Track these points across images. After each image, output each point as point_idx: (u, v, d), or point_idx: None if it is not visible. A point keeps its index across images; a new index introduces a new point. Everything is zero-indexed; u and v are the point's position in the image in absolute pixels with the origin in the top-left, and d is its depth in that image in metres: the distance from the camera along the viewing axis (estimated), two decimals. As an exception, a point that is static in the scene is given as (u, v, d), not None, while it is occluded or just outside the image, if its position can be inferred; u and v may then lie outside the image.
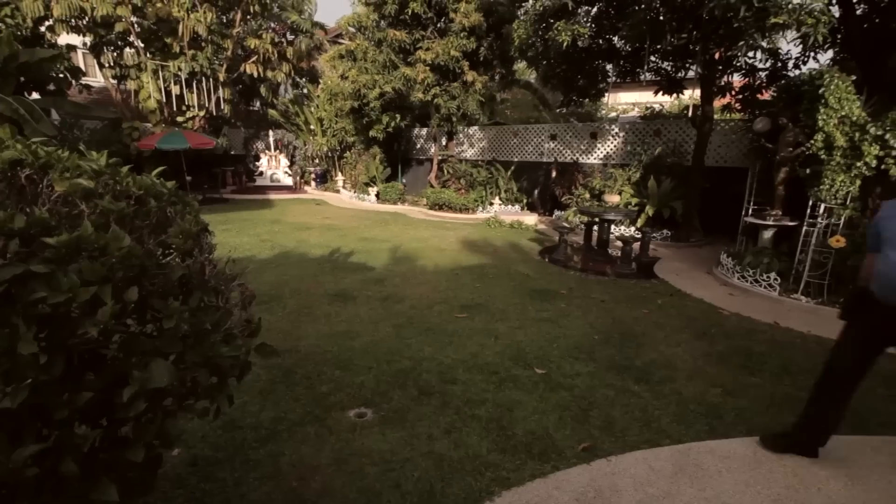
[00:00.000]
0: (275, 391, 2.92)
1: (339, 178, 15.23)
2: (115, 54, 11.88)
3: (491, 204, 11.45)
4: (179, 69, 11.11)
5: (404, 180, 14.75)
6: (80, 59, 13.60)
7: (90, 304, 0.85)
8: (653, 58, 8.26)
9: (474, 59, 10.69)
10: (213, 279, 1.19)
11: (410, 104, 11.50)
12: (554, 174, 11.05)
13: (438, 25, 10.81)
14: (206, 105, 12.06)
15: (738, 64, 7.51)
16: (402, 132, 13.43)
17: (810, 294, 5.02)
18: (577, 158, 11.01)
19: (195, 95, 11.73)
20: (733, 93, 7.99)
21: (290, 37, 15.32)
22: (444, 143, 13.40)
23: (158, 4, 10.39)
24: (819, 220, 5.09)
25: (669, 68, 8.50)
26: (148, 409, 1.00)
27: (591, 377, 3.25)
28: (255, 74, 12.65)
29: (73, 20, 10.53)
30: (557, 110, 15.53)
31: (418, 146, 14.86)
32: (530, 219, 10.23)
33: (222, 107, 12.48)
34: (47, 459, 0.89)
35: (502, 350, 3.65)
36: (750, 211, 6.41)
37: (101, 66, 12.07)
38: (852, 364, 2.27)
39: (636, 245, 6.97)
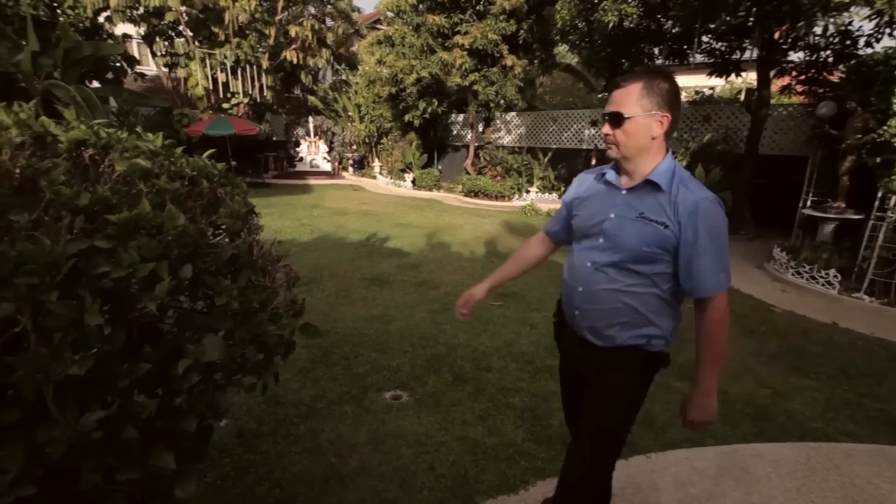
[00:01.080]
0: (314, 370, 3.00)
1: (376, 164, 15.37)
2: (166, 43, 12.38)
3: (527, 191, 11.25)
4: (225, 57, 11.45)
5: (440, 167, 14.71)
6: (134, 49, 14.25)
7: (148, 280, 0.88)
8: (704, 38, 7.78)
9: (514, 42, 10.43)
10: (261, 259, 1.22)
11: (447, 90, 11.39)
12: (594, 161, 10.72)
13: (477, 8, 10.59)
14: (250, 92, 12.41)
15: (802, 43, 6.96)
16: (438, 118, 13.35)
17: (875, 293, 4.66)
18: (619, 145, 10.62)
19: (240, 82, 12.08)
20: (794, 74, 7.43)
21: (329, 23, 15.45)
22: (480, 129, 13.24)
23: (206, -7, 10.71)
24: (889, 213, 4.69)
25: (723, 49, 7.99)
26: (200, 382, 1.04)
27: (630, 371, 3.15)
28: (296, 61, 12.87)
29: (128, 10, 11.02)
30: (600, 95, 14.99)
31: (454, 132, 14.75)
32: (568, 207, 9.99)
33: (265, 93, 12.80)
34: (110, 425, 0.93)
35: (538, 340, 3.60)
36: (808, 203, 5.99)
37: (154, 55, 12.62)
38: None
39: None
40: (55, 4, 9.99)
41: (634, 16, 6.22)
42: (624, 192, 1.36)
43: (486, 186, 11.24)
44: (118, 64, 11.05)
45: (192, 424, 1.11)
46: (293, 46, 12.73)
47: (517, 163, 11.62)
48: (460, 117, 14.23)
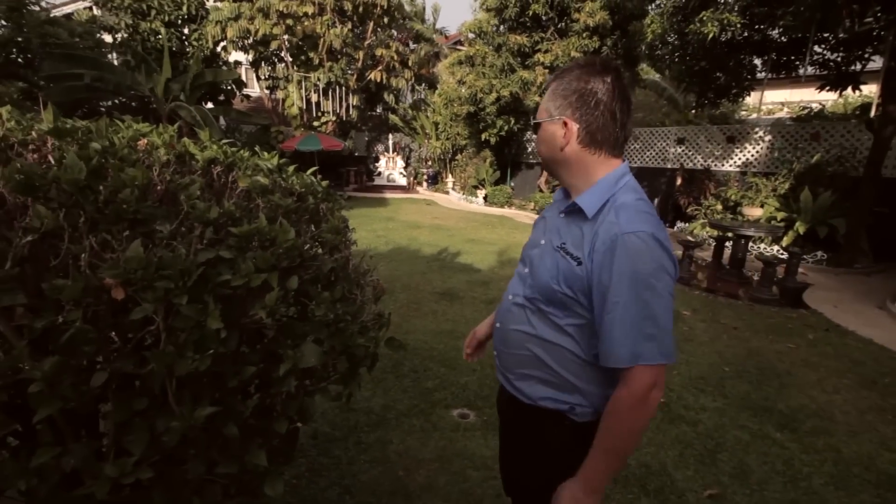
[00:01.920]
0: (385, 380, 3.08)
1: (449, 179, 15.68)
2: (269, 68, 13.72)
3: (604, 212, 10.81)
4: (318, 79, 12.42)
5: (512, 184, 14.66)
6: (242, 73, 15.98)
7: (260, 289, 0.96)
8: (818, 48, 7.05)
9: (596, 59, 10.21)
10: (353, 272, 1.28)
11: (525, 108, 11.38)
12: (679, 182, 10.06)
13: (559, 26, 10.52)
14: (338, 111, 13.30)
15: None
16: (514, 136, 13.36)
17: None
18: (709, 165, 9.88)
19: (329, 102, 13.01)
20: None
21: (412, 45, 16.20)
22: (556, 147, 13.02)
23: (306, 23, 11.73)
24: None
25: (838, 60, 7.18)
26: (295, 387, 1.10)
27: (720, 414, 2.86)
28: (380, 81, 13.61)
29: (240, 40, 12.39)
30: (690, 111, 14.11)
31: (529, 150, 14.65)
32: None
33: (351, 112, 13.65)
34: (216, 421, 1.01)
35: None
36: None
37: (258, 79, 14.03)
38: None
39: (780, 267, 6.00)
40: (184, 37, 11.52)
41: (738, 24, 5.79)
42: (562, 215, 1.11)
43: (560, 205, 10.97)
44: (229, 87, 12.43)
45: (283, 426, 1.17)
46: (378, 68, 13.49)
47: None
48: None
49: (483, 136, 12.48)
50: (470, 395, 2.95)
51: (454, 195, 14.81)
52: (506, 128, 12.00)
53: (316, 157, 12.60)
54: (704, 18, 5.82)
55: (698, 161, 10.13)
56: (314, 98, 12.81)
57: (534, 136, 1.22)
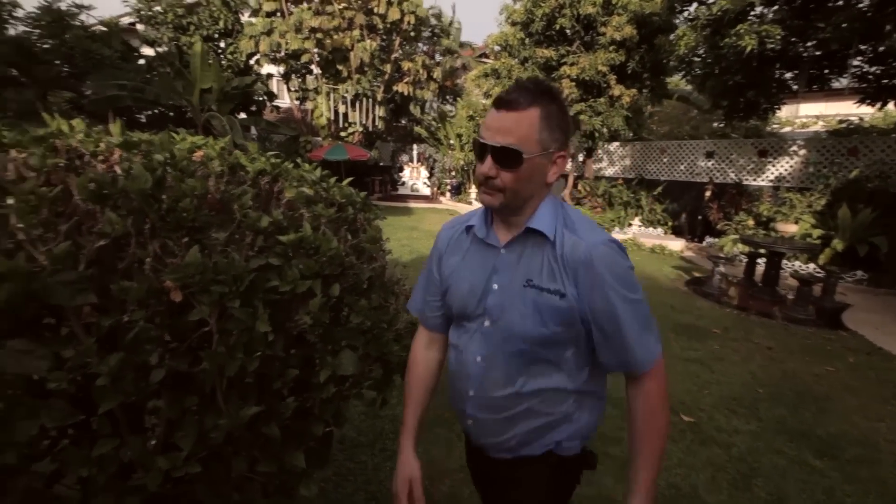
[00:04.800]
0: (409, 389, 3.09)
1: (473, 190, 15.74)
2: (299, 80, 14.15)
3: (629, 225, 10.65)
4: (346, 91, 12.74)
5: (536, 196, 14.60)
6: (273, 85, 16.54)
7: (305, 295, 1.00)
8: (856, 61, 6.85)
9: (622, 72, 10.15)
10: (388, 281, 1.31)
11: (550, 120, 11.36)
12: (708, 196, 9.84)
13: (585, 39, 10.53)
14: (365, 122, 13.60)
15: None
16: (538, 147, 13.34)
17: None
18: (741, 179, 9.64)
19: (357, 113, 13.31)
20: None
21: (438, 58, 16.47)
22: (580, 159, 12.95)
23: (335, 37, 12.10)
24: None
25: (878, 72, 6.95)
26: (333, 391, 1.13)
27: (754, 438, 2.77)
28: (406, 93, 13.86)
29: (272, 54, 12.86)
30: (717, 125, 13.84)
31: (553, 162, 14.60)
32: (675, 244, 9.23)
33: (377, 123, 13.92)
34: (259, 421, 1.05)
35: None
36: None
37: (289, 90, 14.48)
38: None
39: (816, 286, 5.78)
40: (219, 51, 12.01)
41: (777, 37, 5.66)
42: (502, 250, 0.98)
43: (585, 217, 10.86)
44: (261, 98, 12.87)
45: (319, 429, 1.21)
46: (405, 80, 13.75)
47: (622, 195, 11.09)
48: (560, 147, 14.07)
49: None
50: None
51: (477, 206, 14.84)
52: (530, 140, 11.99)
53: (342, 166, 12.88)
54: (741, 31, 5.72)
55: (729, 175, 9.90)
56: (342, 109, 13.14)
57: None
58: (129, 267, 0.89)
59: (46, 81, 9.59)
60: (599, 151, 12.81)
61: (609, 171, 13.00)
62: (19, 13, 9.55)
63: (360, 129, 13.76)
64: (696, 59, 7.12)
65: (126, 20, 13.81)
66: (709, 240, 9.40)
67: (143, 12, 11.29)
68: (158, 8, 11.26)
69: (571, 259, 0.91)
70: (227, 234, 0.95)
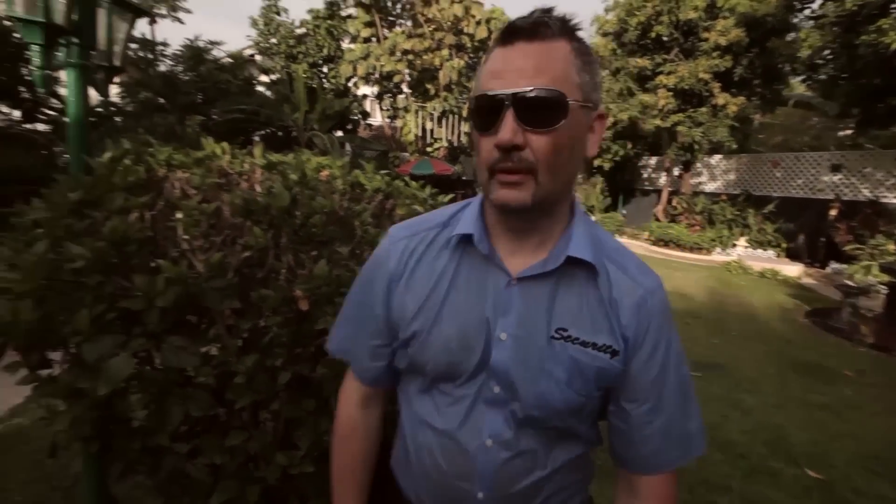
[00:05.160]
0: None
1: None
2: (390, 99, 14.99)
3: (734, 246, 9.65)
4: (434, 108, 13.21)
5: (624, 211, 13.86)
6: (367, 105, 17.73)
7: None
8: None
9: (727, 79, 9.34)
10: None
11: (643, 132, 10.79)
12: (833, 214, 8.61)
13: (684, 46, 9.87)
14: (450, 137, 13.97)
15: None
16: (628, 161, 12.70)
17: None
18: (877, 196, 8.30)
19: (443, 129, 13.73)
20: None
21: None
22: (676, 173, 12.06)
23: (425, 57, 12.63)
24: None
25: None
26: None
27: (906, 506, 2.31)
28: (492, 109, 14.02)
29: (368, 76, 13.78)
30: (845, 133, 12.12)
31: (644, 176, 13.78)
32: (791, 269, 8.17)
33: (462, 138, 14.23)
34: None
35: (753, 430, 2.95)
36: None
37: (381, 109, 15.40)
38: None
39: None
40: (322, 75, 13.15)
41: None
42: (514, 281, 0.65)
43: (680, 236, 10.06)
44: (356, 117, 13.82)
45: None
46: (491, 96, 13.92)
47: (725, 212, 10.11)
48: (653, 160, 13.27)
49: (595, 162, 12.07)
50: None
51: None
52: (621, 153, 11.47)
53: (428, 180, 13.32)
54: (884, 27, 4.97)
55: (862, 191, 8.58)
56: (429, 125, 13.63)
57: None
58: (266, 276, 0.99)
59: (185, 108, 11.21)
60: (698, 165, 11.84)
61: (709, 187, 11.94)
62: (168, 52, 11.36)
63: (446, 145, 14.15)
64: (822, 61, 6.30)
65: (248, 52, 15.72)
66: (834, 265, 8.18)
67: (261, 44, 12.76)
68: (274, 40, 12.68)
69: (628, 304, 0.64)
70: (350, 248, 1.01)
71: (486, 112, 0.57)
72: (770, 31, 8.86)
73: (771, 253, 9.27)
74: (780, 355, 4.28)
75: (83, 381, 0.87)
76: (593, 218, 12.81)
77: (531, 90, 0.54)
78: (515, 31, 0.57)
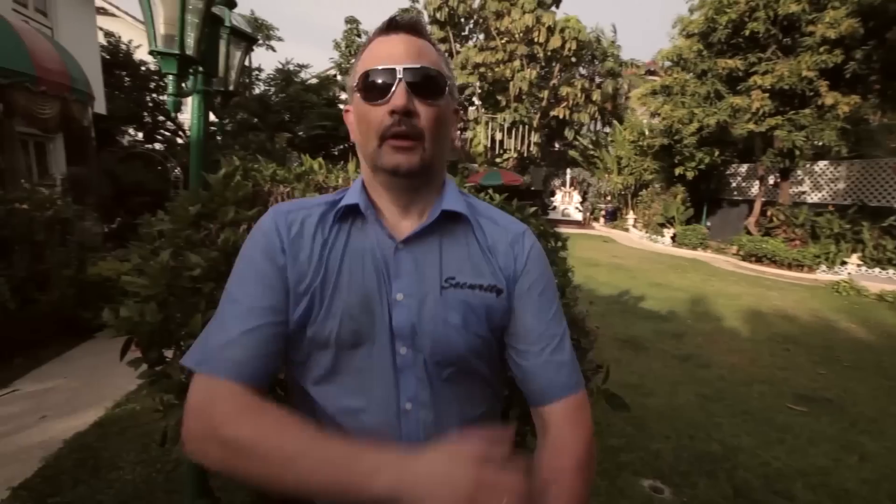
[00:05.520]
0: (564, 427, 2.93)
1: (630, 216, 14.60)
2: (462, 112, 15.24)
3: (843, 263, 8.52)
4: (504, 119, 13.21)
5: (708, 223, 12.81)
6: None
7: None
8: None
9: (837, 76, 8.32)
10: (578, 316, 1.25)
11: (732, 138, 9.94)
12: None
13: (784, 42, 8.97)
14: (520, 148, 13.87)
15: None
16: (714, 169, 11.76)
17: None
18: None
19: (512, 140, 13.68)
20: None
21: (598, 80, 15.93)
22: (772, 181, 10.94)
23: (496, 69, 12.71)
24: None
25: None
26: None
27: None
28: (562, 117, 13.71)
29: (439, 89, 14.19)
30: None
31: (733, 185, 12.66)
32: (920, 292, 7.02)
33: (531, 148, 14.07)
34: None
35: (876, 479, 2.55)
36: None
37: (460, 119, 15.75)
38: None
39: None
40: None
41: None
42: (400, 245, 0.69)
43: (776, 251, 9.08)
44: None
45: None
46: (562, 105, 13.64)
47: (833, 225, 8.98)
48: (743, 168, 12.16)
49: (677, 171, 11.31)
50: (664, 467, 2.58)
51: (635, 233, 13.69)
52: (707, 160, 10.65)
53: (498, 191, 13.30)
54: None
55: None
56: (498, 136, 13.64)
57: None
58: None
59: (275, 126, 12.26)
60: (799, 172, 10.64)
61: (813, 197, 10.68)
62: (262, 76, 12.52)
63: (515, 155, 14.07)
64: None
65: (331, 73, 16.85)
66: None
67: (342, 65, 13.60)
68: (353, 60, 13.49)
69: (499, 251, 0.73)
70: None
71: (378, 84, 0.64)
72: (893, 19, 7.79)
73: (892, 273, 8.05)
74: (907, 391, 3.68)
75: (195, 379, 0.96)
76: (672, 230, 12.00)
77: (419, 66, 0.64)
78: (397, 25, 0.67)
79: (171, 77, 1.24)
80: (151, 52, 1.23)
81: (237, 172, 1.15)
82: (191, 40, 1.20)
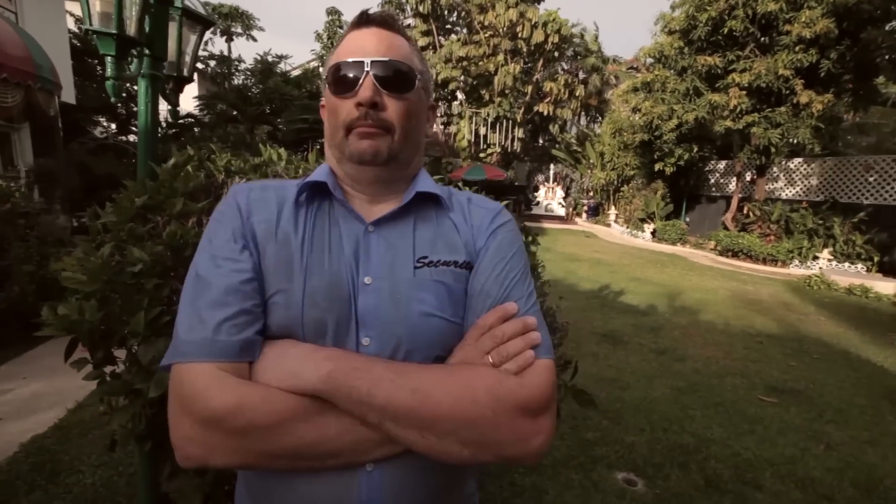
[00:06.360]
0: (540, 421, 2.93)
1: (612, 211, 14.76)
2: (445, 106, 15.13)
3: (815, 258, 8.75)
4: (488, 114, 13.17)
5: (687, 219, 13.04)
6: (421, 111, 18.10)
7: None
8: None
9: (812, 75, 8.50)
10: (548, 311, 1.23)
11: (711, 135, 10.10)
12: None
13: (761, 40, 9.12)
14: (504, 143, 13.85)
15: None
16: (693, 166, 11.94)
17: None
18: None
19: (496, 135, 13.65)
20: None
21: (581, 75, 16.01)
22: (748, 178, 11.16)
23: (480, 63, 12.65)
24: None
25: None
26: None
27: None
28: (546, 113, 13.74)
29: (423, 83, 14.07)
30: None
31: (711, 181, 12.89)
32: (885, 285, 7.26)
33: (515, 144, 14.07)
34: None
35: (840, 468, 2.62)
36: None
37: (436, 116, 15.65)
38: None
39: None
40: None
41: None
42: (370, 227, 0.66)
43: (752, 246, 9.29)
44: (410, 124, 14.13)
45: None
46: (546, 100, 13.66)
47: (806, 220, 9.21)
48: (721, 164, 12.38)
49: (657, 167, 11.45)
50: (637, 459, 2.61)
51: (616, 228, 13.85)
52: (686, 157, 10.80)
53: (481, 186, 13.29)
54: None
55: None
56: (482, 131, 13.60)
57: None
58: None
59: (254, 118, 11.98)
60: (774, 169, 10.88)
61: (787, 193, 10.94)
62: (241, 67, 12.21)
63: (498, 150, 14.05)
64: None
65: (313, 65, 16.54)
66: (942, 283, 7.19)
67: (324, 57, 13.36)
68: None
69: (473, 227, 0.70)
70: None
71: (347, 78, 0.64)
72: (867, 20, 7.98)
73: (860, 267, 8.31)
74: (872, 382, 3.80)
75: (140, 381, 0.91)
76: (653, 226, 12.17)
77: (388, 60, 0.64)
78: (369, 19, 0.67)
79: (109, 59, 1.16)
80: (86, 31, 1.15)
81: (189, 163, 1.09)
82: (131, 20, 1.12)
